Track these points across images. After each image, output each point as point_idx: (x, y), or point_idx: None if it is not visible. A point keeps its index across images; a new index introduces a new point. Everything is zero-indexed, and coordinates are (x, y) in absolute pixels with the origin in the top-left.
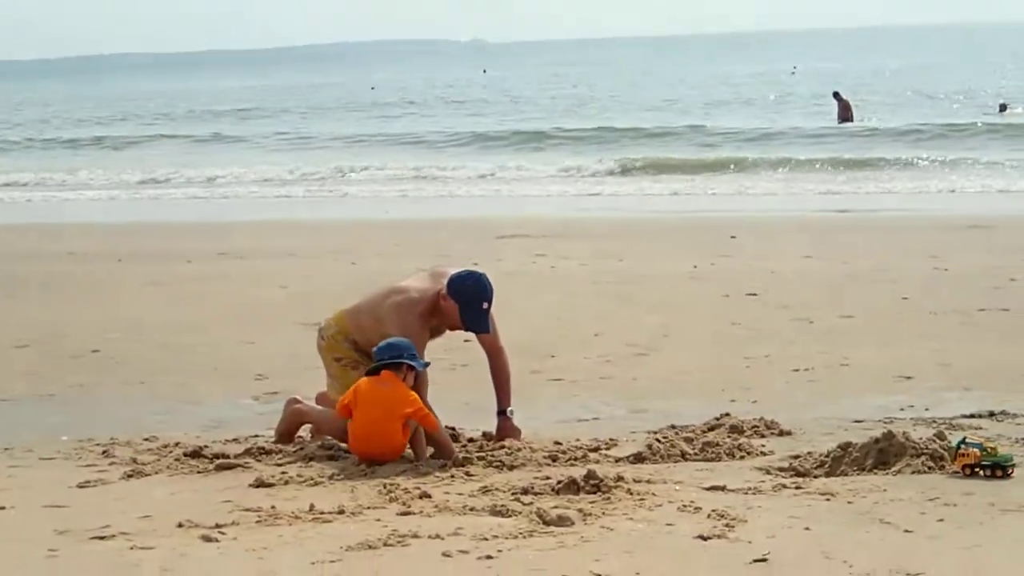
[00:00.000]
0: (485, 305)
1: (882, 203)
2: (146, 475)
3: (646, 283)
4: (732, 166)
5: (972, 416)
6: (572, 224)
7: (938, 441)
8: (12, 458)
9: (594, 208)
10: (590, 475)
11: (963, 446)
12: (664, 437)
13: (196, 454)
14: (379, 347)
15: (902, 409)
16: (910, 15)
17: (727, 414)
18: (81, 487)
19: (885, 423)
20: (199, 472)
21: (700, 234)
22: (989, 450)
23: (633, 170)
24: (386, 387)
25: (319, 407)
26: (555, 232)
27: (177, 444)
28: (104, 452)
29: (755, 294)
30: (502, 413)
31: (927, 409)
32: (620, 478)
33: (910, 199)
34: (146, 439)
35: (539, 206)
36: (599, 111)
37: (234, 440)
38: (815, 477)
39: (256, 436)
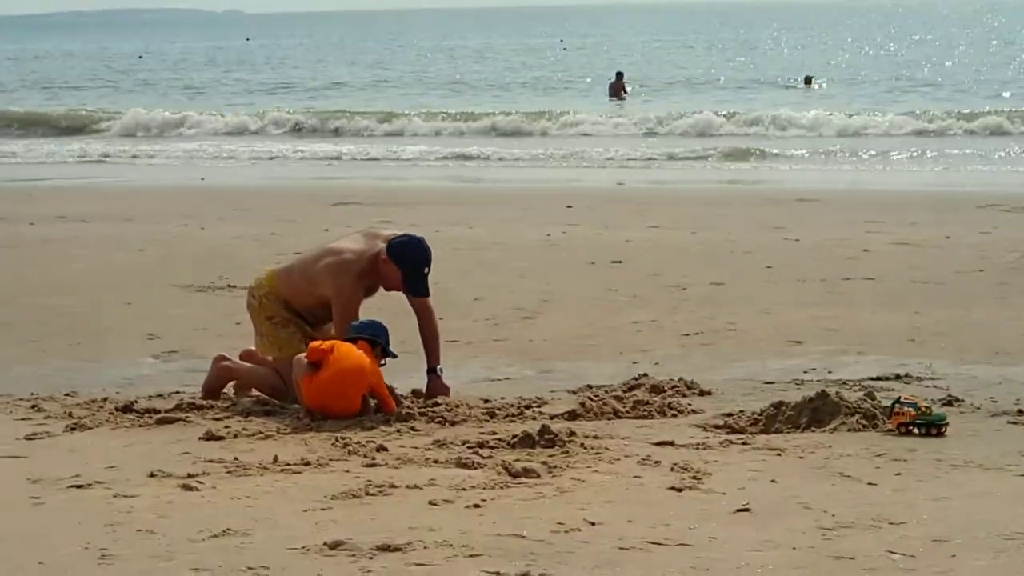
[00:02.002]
0: (426, 270)
1: (703, 176)
2: (89, 428)
3: (506, 251)
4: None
5: (879, 379)
6: (396, 191)
7: (869, 400)
8: None
9: (415, 177)
10: (544, 430)
11: (898, 405)
12: (595, 396)
13: (128, 408)
14: (359, 324)
15: (805, 372)
16: None
17: (645, 374)
18: (29, 439)
19: (796, 385)
20: (141, 426)
21: (535, 203)
22: (923, 409)
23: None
24: (359, 355)
25: (248, 364)
26: (385, 200)
27: (106, 400)
28: (34, 407)
29: (620, 261)
30: (432, 371)
31: (830, 372)
32: (572, 433)
33: (730, 173)
34: (67, 394)
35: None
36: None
37: (159, 396)
38: (752, 434)
39: (176, 392)
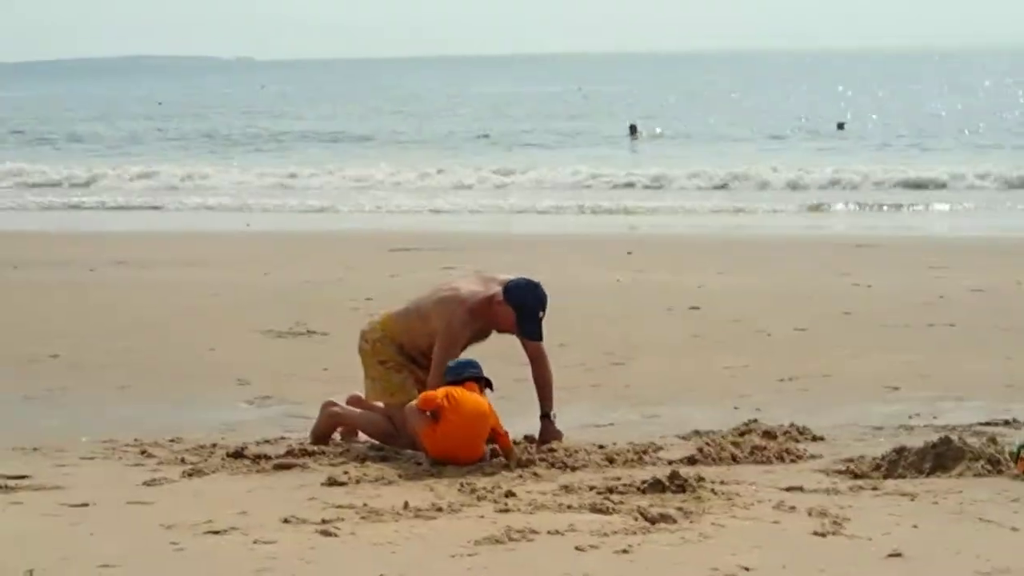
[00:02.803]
0: (541, 313)
1: (741, 221)
2: (206, 474)
3: (579, 295)
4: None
5: (987, 424)
6: (460, 237)
7: (993, 445)
8: (49, 458)
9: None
10: (674, 475)
11: (1022, 450)
12: (711, 441)
13: (239, 455)
14: (450, 367)
15: (910, 417)
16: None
17: (755, 420)
18: (148, 485)
19: (905, 430)
20: (259, 472)
21: (597, 247)
22: None
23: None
24: (478, 397)
25: (358, 410)
26: (446, 245)
27: (214, 445)
28: (142, 452)
29: (698, 308)
30: (545, 416)
31: (935, 417)
32: (701, 478)
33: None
34: (172, 440)
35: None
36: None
37: (266, 442)
38: (875, 479)
39: (282, 438)
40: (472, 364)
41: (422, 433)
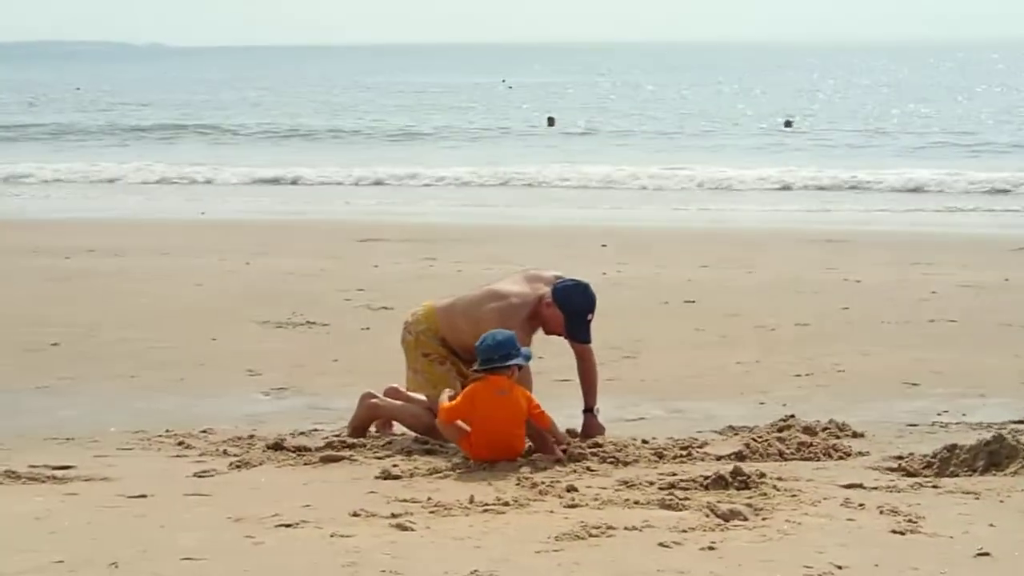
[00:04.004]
0: (589, 316)
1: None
2: (254, 466)
3: None
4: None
5: (1020, 422)
6: (425, 228)
7: None
8: (87, 448)
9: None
10: (737, 471)
11: None
12: (758, 437)
13: (279, 446)
14: (485, 345)
15: (939, 414)
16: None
17: (792, 415)
18: (200, 476)
19: (940, 427)
20: (307, 464)
21: (568, 240)
22: None
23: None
24: (504, 395)
25: (398, 402)
26: (412, 236)
27: (252, 436)
28: (180, 443)
29: (693, 301)
30: (589, 411)
31: (964, 415)
32: (762, 475)
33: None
34: (204, 431)
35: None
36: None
37: (302, 433)
38: (927, 476)
39: (314, 430)
40: (498, 347)
41: (459, 444)
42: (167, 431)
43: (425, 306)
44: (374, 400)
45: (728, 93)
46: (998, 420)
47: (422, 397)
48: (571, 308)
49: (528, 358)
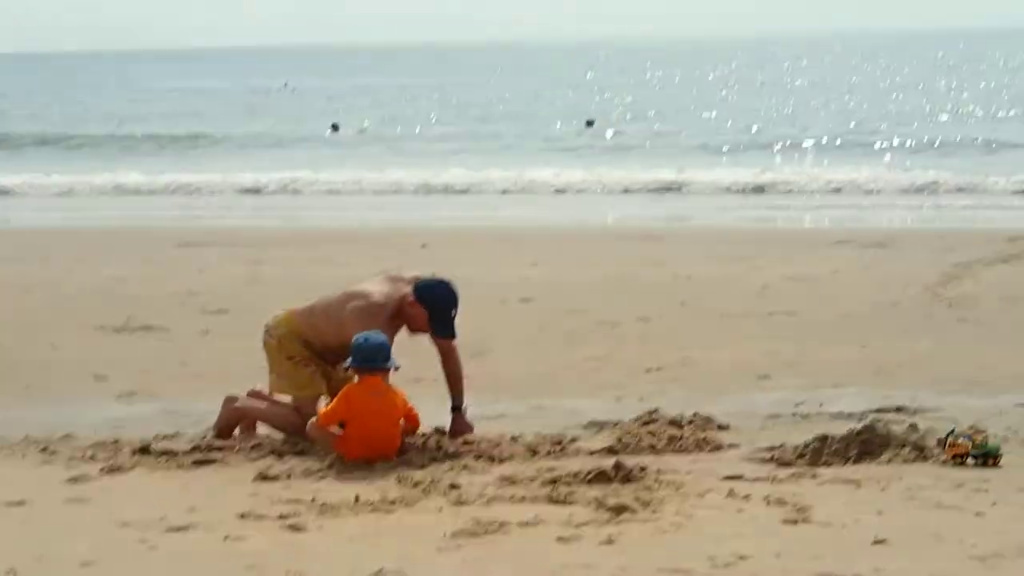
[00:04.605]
0: (453, 312)
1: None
2: (126, 470)
3: None
4: None
5: (880, 411)
6: (243, 232)
7: (915, 432)
8: None
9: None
10: (618, 465)
11: (951, 437)
12: (629, 431)
13: (146, 451)
14: (364, 345)
15: (797, 405)
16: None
17: (656, 409)
18: (75, 482)
19: (801, 418)
20: (180, 467)
21: (385, 241)
22: (977, 441)
23: None
24: (380, 397)
25: (262, 404)
26: (233, 241)
27: (115, 442)
28: (43, 449)
29: (530, 299)
30: (456, 408)
31: (821, 405)
32: (643, 468)
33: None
34: (64, 437)
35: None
36: None
37: (165, 437)
38: (802, 467)
39: (175, 434)
40: (375, 357)
41: (334, 447)
42: (26, 437)
43: (285, 310)
44: (238, 405)
45: (545, 94)
46: (857, 409)
47: (286, 398)
48: (435, 305)
49: (396, 367)
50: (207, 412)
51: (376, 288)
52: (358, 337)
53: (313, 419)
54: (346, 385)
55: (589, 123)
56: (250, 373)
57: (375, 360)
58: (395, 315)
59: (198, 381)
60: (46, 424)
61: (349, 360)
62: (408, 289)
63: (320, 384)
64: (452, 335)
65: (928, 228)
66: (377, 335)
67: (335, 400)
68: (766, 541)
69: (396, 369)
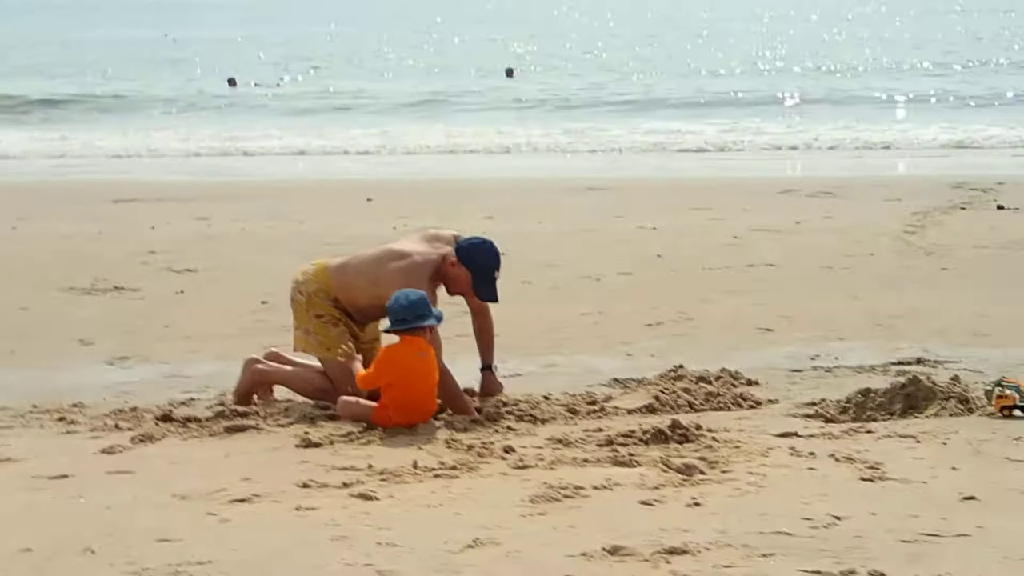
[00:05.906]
0: (496, 274)
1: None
2: (157, 440)
3: (362, 247)
4: None
5: (900, 363)
6: (171, 186)
7: (958, 384)
8: None
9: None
10: (675, 424)
11: (999, 388)
12: (665, 389)
13: (168, 418)
14: (399, 305)
15: (812, 359)
16: None
17: (681, 366)
18: (108, 453)
19: (825, 371)
20: (213, 435)
21: (332, 194)
22: None
23: None
24: (424, 359)
25: (287, 367)
26: (166, 196)
27: (134, 409)
28: (61, 419)
29: (505, 252)
30: (487, 368)
31: (836, 359)
32: (699, 427)
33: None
34: (74, 405)
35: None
36: None
37: (182, 404)
38: (849, 422)
39: (192, 399)
40: (412, 308)
41: (372, 418)
42: (34, 407)
43: (316, 264)
44: (260, 367)
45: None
46: (876, 362)
47: (309, 360)
48: (478, 266)
49: (440, 319)
50: (209, 375)
51: (415, 247)
52: (398, 295)
53: (343, 398)
54: (385, 347)
55: (508, 72)
56: (243, 336)
57: (409, 319)
58: (434, 276)
59: (188, 343)
60: (46, 391)
61: (388, 322)
62: (448, 249)
63: (349, 345)
64: (495, 299)
65: (869, 176)
66: (414, 292)
67: (377, 363)
68: (855, 501)
69: (439, 321)
